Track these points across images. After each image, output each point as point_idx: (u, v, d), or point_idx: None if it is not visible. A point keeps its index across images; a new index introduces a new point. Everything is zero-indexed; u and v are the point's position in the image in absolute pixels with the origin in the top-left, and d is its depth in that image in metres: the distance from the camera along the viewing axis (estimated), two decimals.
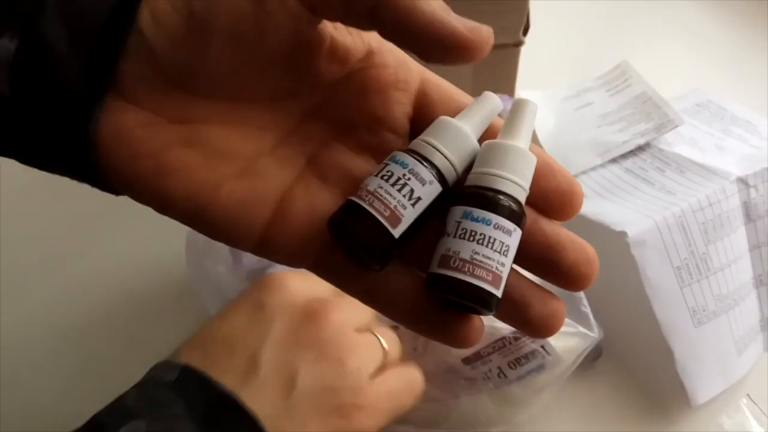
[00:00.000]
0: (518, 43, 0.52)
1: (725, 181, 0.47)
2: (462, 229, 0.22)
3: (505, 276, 0.23)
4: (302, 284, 0.37)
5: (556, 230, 0.24)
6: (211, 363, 0.33)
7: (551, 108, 0.59)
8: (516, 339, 0.42)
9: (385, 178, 0.23)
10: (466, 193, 0.23)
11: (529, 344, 0.42)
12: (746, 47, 0.69)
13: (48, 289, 0.54)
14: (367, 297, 0.25)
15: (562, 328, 0.43)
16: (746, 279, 0.48)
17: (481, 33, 0.21)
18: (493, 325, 0.42)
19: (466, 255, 0.22)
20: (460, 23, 0.21)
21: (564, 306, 0.25)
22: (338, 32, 0.24)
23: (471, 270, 0.22)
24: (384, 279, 0.24)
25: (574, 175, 0.25)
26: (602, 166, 0.52)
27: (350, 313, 0.37)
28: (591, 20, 0.71)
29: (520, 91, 0.56)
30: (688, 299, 0.45)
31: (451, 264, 0.22)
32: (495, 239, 0.22)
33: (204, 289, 0.45)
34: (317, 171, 0.25)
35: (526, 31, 0.52)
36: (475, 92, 0.46)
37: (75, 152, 0.23)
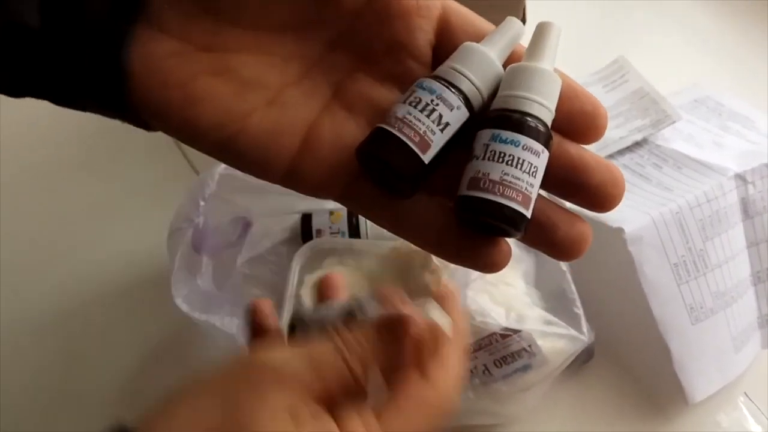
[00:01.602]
0: None
1: (723, 177, 0.47)
2: (491, 151, 0.22)
3: (534, 197, 0.23)
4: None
5: (580, 152, 0.24)
6: None
7: None
8: (503, 337, 0.41)
9: (414, 104, 0.23)
10: (493, 116, 0.23)
11: (516, 343, 0.42)
12: (744, 43, 0.69)
13: (40, 281, 0.54)
14: (394, 225, 0.25)
15: (552, 329, 0.43)
16: (744, 276, 0.48)
17: None
18: (483, 321, 0.42)
19: (495, 176, 0.22)
20: None
21: (590, 229, 0.24)
22: None
23: (501, 191, 0.22)
24: (411, 206, 0.24)
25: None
26: None
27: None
28: (588, 16, 0.71)
29: None
30: (686, 296, 0.45)
31: (481, 185, 0.22)
32: (524, 160, 0.22)
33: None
34: (343, 101, 0.25)
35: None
36: None
37: (107, 83, 0.23)
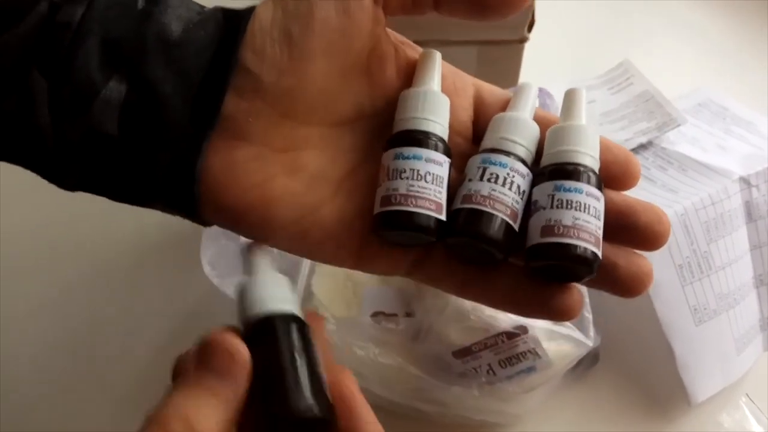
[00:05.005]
0: (523, 40, 0.52)
1: (727, 180, 0.47)
2: (557, 200, 0.24)
3: (601, 238, 0.24)
4: None
5: (623, 197, 0.26)
6: None
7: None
8: (510, 338, 0.42)
9: (492, 180, 0.25)
10: (550, 169, 0.25)
11: (522, 344, 0.42)
12: (748, 47, 0.70)
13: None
14: (461, 290, 0.27)
15: (558, 330, 0.43)
16: (747, 278, 0.48)
17: None
18: (488, 323, 0.42)
19: (568, 221, 0.23)
20: None
21: (650, 264, 0.25)
22: (401, 46, 0.27)
23: (576, 234, 0.23)
24: (480, 271, 0.26)
25: None
26: None
27: None
28: (594, 18, 0.71)
29: None
30: (690, 297, 0.46)
31: (556, 231, 0.23)
32: (590, 205, 0.24)
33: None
34: None
35: (530, 28, 0.52)
36: None
37: (179, 188, 0.24)
